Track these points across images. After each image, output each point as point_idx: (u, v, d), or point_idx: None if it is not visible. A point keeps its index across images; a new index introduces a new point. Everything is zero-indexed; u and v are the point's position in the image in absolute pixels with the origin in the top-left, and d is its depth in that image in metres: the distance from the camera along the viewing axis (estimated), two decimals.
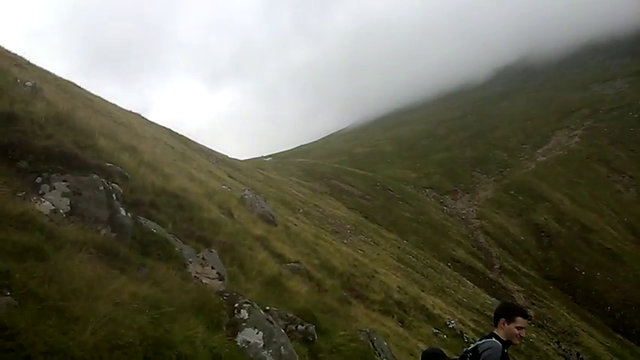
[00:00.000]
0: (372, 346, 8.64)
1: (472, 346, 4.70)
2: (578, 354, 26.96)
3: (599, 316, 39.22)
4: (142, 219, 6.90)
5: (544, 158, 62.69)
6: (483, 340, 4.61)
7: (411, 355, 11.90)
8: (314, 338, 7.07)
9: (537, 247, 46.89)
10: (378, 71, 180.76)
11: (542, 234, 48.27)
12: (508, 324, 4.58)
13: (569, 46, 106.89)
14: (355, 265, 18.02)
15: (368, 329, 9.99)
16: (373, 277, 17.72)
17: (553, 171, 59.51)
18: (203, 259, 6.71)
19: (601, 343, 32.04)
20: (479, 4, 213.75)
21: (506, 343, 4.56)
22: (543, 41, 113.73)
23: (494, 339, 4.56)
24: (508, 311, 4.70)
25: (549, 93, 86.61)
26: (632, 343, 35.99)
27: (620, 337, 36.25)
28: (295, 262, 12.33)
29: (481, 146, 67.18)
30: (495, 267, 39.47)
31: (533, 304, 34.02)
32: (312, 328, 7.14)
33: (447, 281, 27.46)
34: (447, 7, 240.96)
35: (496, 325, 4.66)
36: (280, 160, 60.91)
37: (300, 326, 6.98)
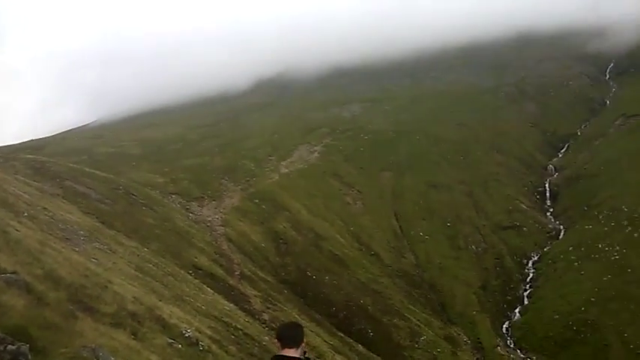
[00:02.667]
0: None
1: None
2: (304, 353, 29.17)
3: (326, 317, 43.18)
4: None
5: (287, 170, 66.91)
6: None
7: None
8: (27, 359, 6.40)
9: (276, 253, 49.73)
10: (135, 66, 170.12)
11: (281, 241, 51.40)
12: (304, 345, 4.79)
13: (318, 69, 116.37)
14: (86, 275, 16.71)
15: (94, 345, 9.34)
16: (106, 287, 16.63)
17: (294, 183, 63.91)
18: None
19: (325, 341, 35.25)
20: (247, 13, 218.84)
21: None
22: (299, 61, 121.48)
23: None
24: (303, 332, 4.91)
25: (297, 110, 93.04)
26: (352, 340, 40.43)
27: (342, 335, 40.40)
28: (12, 273, 11.02)
29: (231, 155, 68.82)
30: (236, 273, 40.62)
31: (269, 308, 35.92)
32: (25, 347, 6.43)
33: (187, 289, 27.28)
34: (216, 10, 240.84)
35: (298, 346, 4.81)
36: (4, 155, 53.60)
37: (10, 346, 6.25)
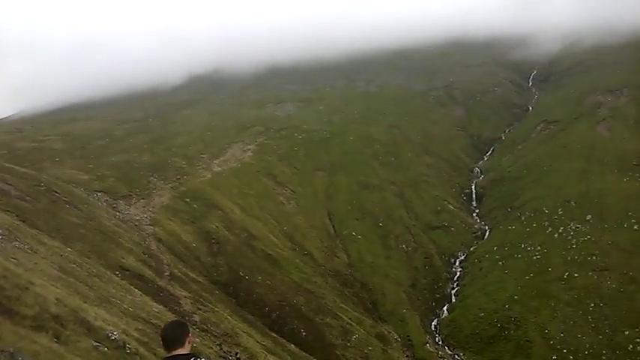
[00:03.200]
0: None
1: None
2: (236, 354, 28.70)
3: (258, 317, 42.65)
4: None
5: (220, 169, 65.79)
6: None
7: None
8: None
9: (207, 253, 48.68)
10: (59, 57, 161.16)
11: (213, 241, 50.39)
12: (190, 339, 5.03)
13: (253, 67, 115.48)
14: (5, 276, 15.61)
15: (12, 348, 8.69)
16: (27, 289, 15.60)
17: (227, 181, 62.92)
18: None
19: (258, 342, 34.75)
20: (180, 9, 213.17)
21: None
22: (234, 58, 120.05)
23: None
24: (188, 328, 5.10)
25: (230, 108, 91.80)
26: (285, 340, 40.10)
27: (275, 335, 40.00)
28: None
29: (160, 152, 66.90)
30: (165, 274, 39.33)
31: (200, 309, 34.98)
32: None
33: (114, 291, 26.06)
34: (146, 4, 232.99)
35: (184, 344, 4.96)
36: None
37: None
